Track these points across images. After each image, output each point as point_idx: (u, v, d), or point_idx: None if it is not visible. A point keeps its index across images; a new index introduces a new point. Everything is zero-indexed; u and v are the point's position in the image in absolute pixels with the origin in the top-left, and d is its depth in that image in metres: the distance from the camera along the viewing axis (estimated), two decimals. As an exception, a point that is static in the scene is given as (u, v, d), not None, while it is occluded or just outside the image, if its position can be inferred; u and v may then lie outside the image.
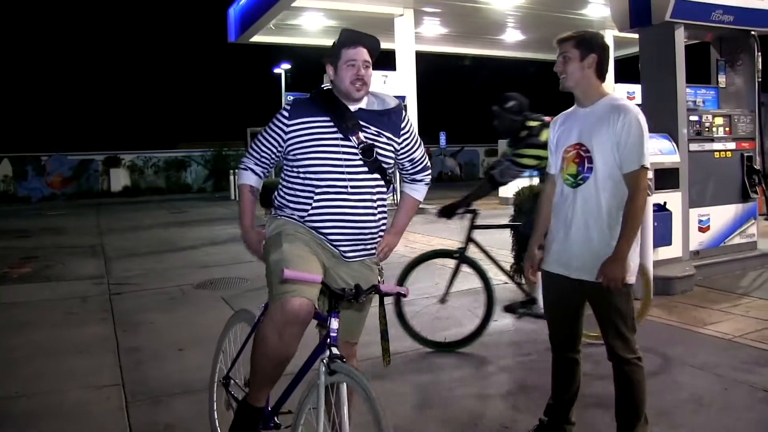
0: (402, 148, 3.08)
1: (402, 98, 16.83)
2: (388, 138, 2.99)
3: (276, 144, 3.02)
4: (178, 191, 29.00)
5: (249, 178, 3.15)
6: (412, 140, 3.12)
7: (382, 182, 3.00)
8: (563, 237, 3.16)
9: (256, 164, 3.12)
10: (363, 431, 2.55)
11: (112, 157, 28.58)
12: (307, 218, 2.90)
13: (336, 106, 2.94)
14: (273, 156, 3.07)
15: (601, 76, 3.15)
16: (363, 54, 2.93)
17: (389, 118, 3.02)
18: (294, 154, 2.94)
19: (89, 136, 37.65)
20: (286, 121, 2.96)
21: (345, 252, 2.95)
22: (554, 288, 3.26)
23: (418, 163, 3.20)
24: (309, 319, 2.75)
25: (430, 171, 3.29)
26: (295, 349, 2.77)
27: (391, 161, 3.04)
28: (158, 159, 29.77)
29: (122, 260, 10.36)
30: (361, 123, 2.94)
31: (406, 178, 3.26)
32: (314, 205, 2.88)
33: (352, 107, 2.97)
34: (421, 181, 3.26)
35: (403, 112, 3.12)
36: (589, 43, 3.09)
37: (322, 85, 3.16)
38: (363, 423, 2.51)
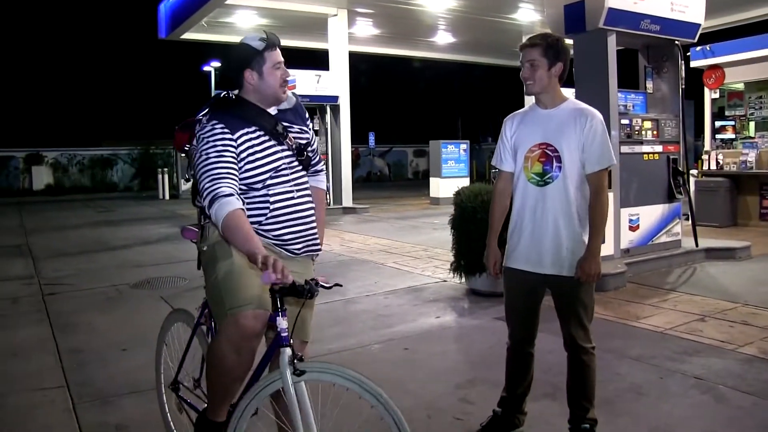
0: (311, 140, 3.07)
1: (335, 98, 16.87)
2: (306, 132, 3.00)
3: (235, 162, 2.74)
4: (104, 190, 28.35)
5: (236, 203, 2.63)
6: (312, 129, 3.12)
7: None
8: (531, 234, 3.26)
9: (232, 187, 2.68)
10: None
11: (33, 154, 27.76)
12: (264, 222, 2.81)
13: (258, 114, 2.85)
14: (237, 171, 2.76)
15: (562, 80, 3.30)
16: (280, 54, 2.89)
17: (297, 112, 3.02)
18: (243, 169, 2.77)
19: (8, 132, 36.25)
20: (231, 136, 2.74)
21: (298, 249, 2.90)
22: (520, 284, 3.35)
23: (317, 152, 3.16)
24: (265, 329, 2.66)
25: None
26: (253, 362, 2.70)
27: (313, 153, 3.06)
28: (83, 157, 29.04)
29: (52, 260, 10.08)
30: (285, 125, 2.91)
31: (307, 170, 3.08)
32: (272, 208, 2.80)
33: (270, 111, 2.90)
34: (321, 170, 3.20)
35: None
36: (556, 51, 3.21)
37: (226, 93, 2.95)
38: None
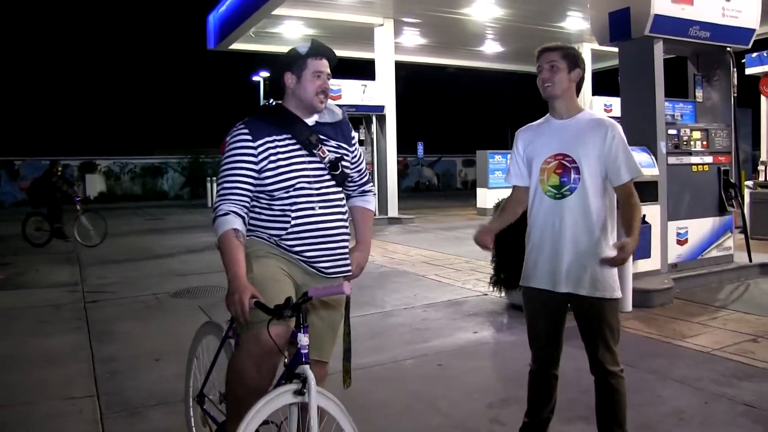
0: (353, 159, 2.99)
1: (381, 108, 16.82)
2: (345, 149, 2.93)
3: (251, 172, 2.73)
4: (154, 198, 28.83)
5: (232, 221, 2.68)
6: (358, 150, 3.05)
7: (343, 194, 2.96)
8: (548, 250, 3.10)
9: (236, 204, 2.72)
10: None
11: (87, 162, 28.40)
12: (285, 237, 2.76)
13: (293, 122, 2.82)
14: (252, 188, 2.75)
15: (578, 92, 3.20)
16: (327, 66, 2.85)
17: (341, 129, 2.96)
18: (264, 178, 2.74)
19: (64, 141, 37.25)
20: (252, 143, 2.73)
21: (326, 268, 2.83)
22: (540, 305, 3.19)
23: (364, 173, 3.12)
24: (287, 345, 2.58)
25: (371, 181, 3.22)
26: (274, 377, 2.65)
27: (351, 172, 2.98)
28: (135, 165, 29.58)
29: (97, 267, 10.24)
30: (321, 137, 2.85)
31: (354, 190, 3.11)
32: (293, 223, 2.74)
33: (308, 121, 2.86)
34: (369, 191, 3.17)
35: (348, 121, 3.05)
36: (575, 58, 3.12)
37: (267, 102, 2.97)
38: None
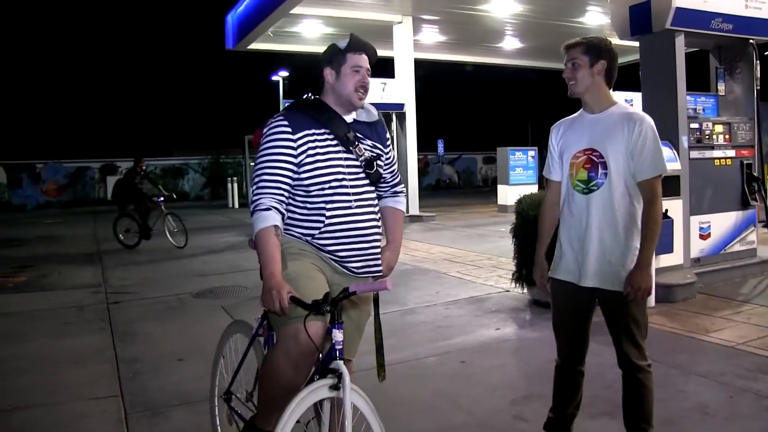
0: (387, 160, 3.01)
1: (401, 106, 16.81)
2: (380, 149, 2.92)
3: (291, 165, 2.70)
4: (175, 199, 28.98)
5: (273, 218, 2.64)
6: (392, 152, 3.06)
7: (376, 194, 2.95)
8: (577, 244, 3.09)
9: (276, 199, 2.68)
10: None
11: (108, 164, 28.59)
12: (318, 236, 2.74)
13: (332, 117, 2.80)
14: (291, 182, 2.72)
15: (610, 82, 3.14)
16: (367, 61, 2.84)
17: (377, 129, 2.95)
18: (302, 172, 2.72)
19: (85, 144, 37.62)
20: (291, 136, 2.70)
21: (357, 268, 2.82)
22: (566, 297, 3.17)
23: (396, 174, 3.12)
24: (323, 342, 2.56)
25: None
26: (308, 375, 2.63)
27: (384, 173, 2.97)
28: (155, 166, 29.74)
29: (120, 269, 10.31)
30: (358, 135, 2.84)
31: (387, 191, 3.08)
32: (327, 222, 2.72)
33: (346, 118, 2.85)
34: (401, 192, 3.15)
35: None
36: (597, 49, 3.07)
37: (305, 95, 2.92)
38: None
